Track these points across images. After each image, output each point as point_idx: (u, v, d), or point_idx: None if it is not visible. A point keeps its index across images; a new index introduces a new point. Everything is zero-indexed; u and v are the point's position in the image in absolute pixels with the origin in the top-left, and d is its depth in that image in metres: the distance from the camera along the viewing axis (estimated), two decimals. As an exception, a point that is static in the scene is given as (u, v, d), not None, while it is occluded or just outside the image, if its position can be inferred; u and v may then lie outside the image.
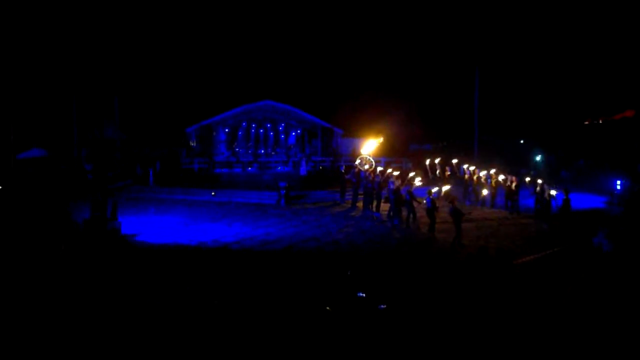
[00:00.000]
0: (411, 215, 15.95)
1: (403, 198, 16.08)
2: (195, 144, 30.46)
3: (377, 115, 31.17)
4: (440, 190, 16.42)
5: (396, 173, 17.49)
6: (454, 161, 21.17)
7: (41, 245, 12.04)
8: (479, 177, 19.38)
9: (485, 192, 18.18)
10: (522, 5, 35.59)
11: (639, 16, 30.61)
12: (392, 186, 16.43)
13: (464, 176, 19.88)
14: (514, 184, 18.35)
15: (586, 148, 27.47)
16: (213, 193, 21.08)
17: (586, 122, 31.94)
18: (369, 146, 19.93)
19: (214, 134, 30.67)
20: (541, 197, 16.96)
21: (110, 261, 11.85)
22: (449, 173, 20.73)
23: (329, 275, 10.66)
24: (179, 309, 8.87)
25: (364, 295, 9.41)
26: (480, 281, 10.60)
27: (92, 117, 30.90)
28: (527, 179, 18.48)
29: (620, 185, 19.52)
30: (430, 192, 15.09)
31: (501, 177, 18.87)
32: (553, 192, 16.97)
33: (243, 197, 20.73)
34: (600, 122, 31.16)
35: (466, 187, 19.53)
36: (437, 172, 20.15)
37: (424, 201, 15.48)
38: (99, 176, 22.44)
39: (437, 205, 15.09)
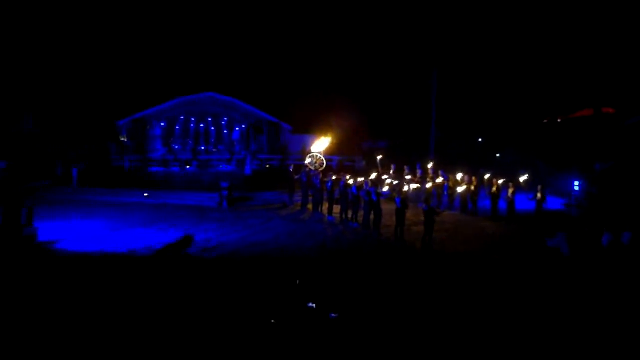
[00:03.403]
0: (370, 218, 16.07)
1: (360, 198, 16.27)
2: (126, 140, 29.52)
3: (329, 111, 31.24)
4: (396, 189, 16.63)
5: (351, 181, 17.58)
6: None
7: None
8: (432, 177, 19.76)
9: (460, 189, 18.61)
10: (481, 4, 36.69)
11: (598, 15, 32.28)
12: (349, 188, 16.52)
13: (419, 177, 20.17)
14: (473, 185, 18.85)
15: (545, 147, 28.64)
16: (146, 194, 20.68)
17: (545, 121, 33.31)
18: (320, 144, 19.93)
19: (148, 128, 29.88)
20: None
21: (24, 271, 11.24)
22: (408, 174, 20.98)
23: (275, 285, 10.56)
24: (100, 324, 8.50)
25: (314, 305, 9.38)
26: (441, 286, 10.79)
27: (7, 108, 29.35)
28: (487, 176, 18.97)
29: (579, 186, 20.43)
30: (401, 191, 15.15)
31: (459, 176, 19.29)
32: (510, 192, 17.62)
33: (180, 199, 20.43)
34: (559, 120, 32.60)
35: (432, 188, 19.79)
36: (392, 171, 20.38)
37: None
38: (11, 175, 21.31)
39: (407, 205, 15.23)
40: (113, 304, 9.40)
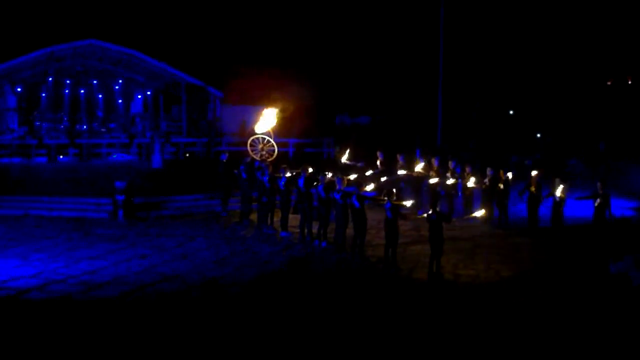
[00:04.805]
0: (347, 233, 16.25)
1: (332, 203, 16.43)
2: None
3: (284, 71, 31.35)
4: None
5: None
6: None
7: None
8: (439, 171, 20.02)
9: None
10: None
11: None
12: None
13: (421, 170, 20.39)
14: (501, 183, 19.05)
15: (607, 122, 29.25)
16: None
17: (608, 83, 34.03)
18: (269, 120, 20.04)
19: (-3, 96, 29.53)
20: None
21: None
22: (402, 166, 21.23)
23: (200, 340, 10.58)
24: None
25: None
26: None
27: None
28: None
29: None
30: (390, 193, 15.08)
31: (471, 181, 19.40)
32: (559, 192, 17.66)
33: (51, 208, 20.45)
34: (629, 83, 33.29)
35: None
36: (379, 162, 20.63)
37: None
38: None
39: (406, 213, 15.52)
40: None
